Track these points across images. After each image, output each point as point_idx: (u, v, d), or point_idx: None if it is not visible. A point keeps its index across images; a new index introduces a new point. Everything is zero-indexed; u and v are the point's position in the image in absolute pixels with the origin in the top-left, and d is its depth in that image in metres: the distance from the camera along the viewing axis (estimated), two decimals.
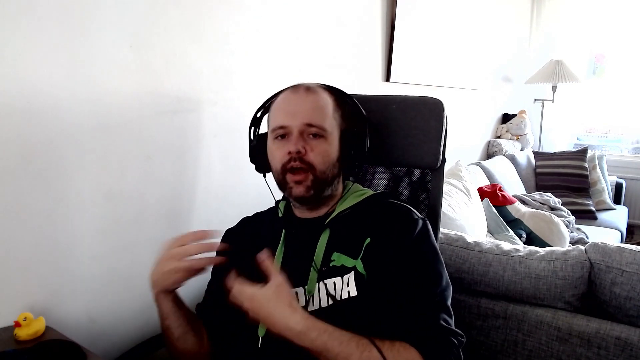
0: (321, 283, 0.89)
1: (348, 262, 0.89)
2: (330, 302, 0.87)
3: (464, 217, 1.99)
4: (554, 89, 3.93)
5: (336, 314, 0.86)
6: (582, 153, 3.54)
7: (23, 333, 0.92)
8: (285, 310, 0.77)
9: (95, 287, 1.14)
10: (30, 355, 0.85)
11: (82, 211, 1.08)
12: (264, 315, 0.77)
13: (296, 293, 0.90)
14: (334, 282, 0.88)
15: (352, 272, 0.88)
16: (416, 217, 0.92)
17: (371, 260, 0.88)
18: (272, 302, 0.77)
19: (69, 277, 1.08)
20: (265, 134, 0.97)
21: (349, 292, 0.87)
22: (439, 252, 0.92)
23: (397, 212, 0.94)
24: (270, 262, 0.80)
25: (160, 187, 1.25)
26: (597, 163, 3.55)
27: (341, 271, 0.88)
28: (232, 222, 1.09)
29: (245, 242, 1.01)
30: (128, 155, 1.16)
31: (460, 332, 0.83)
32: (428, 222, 0.93)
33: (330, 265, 0.90)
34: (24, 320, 0.93)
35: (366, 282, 0.87)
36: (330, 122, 0.92)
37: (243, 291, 0.77)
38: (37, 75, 0.97)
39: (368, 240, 0.89)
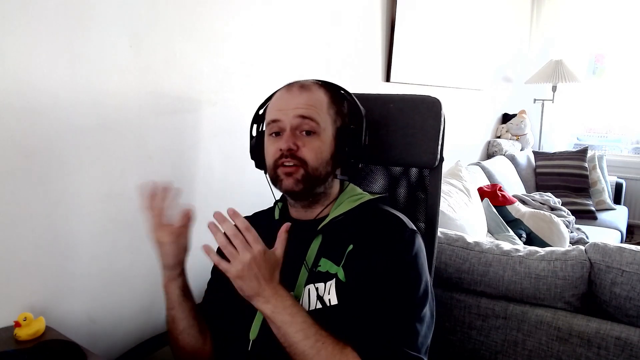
0: (307, 287, 0.88)
1: (332, 268, 0.88)
2: (319, 305, 0.87)
3: (464, 217, 1.99)
4: (554, 89, 3.93)
5: (318, 319, 0.85)
6: (582, 153, 3.54)
7: (23, 333, 0.92)
8: (277, 277, 0.81)
9: (95, 287, 1.14)
10: (30, 355, 0.85)
11: (82, 211, 1.08)
12: (263, 270, 0.78)
13: None
14: (317, 287, 0.88)
15: (334, 280, 0.87)
16: (404, 227, 0.90)
17: (351, 268, 0.87)
18: (275, 264, 0.80)
19: (69, 277, 1.08)
20: (264, 131, 0.98)
21: (329, 300, 0.86)
22: (423, 265, 0.88)
23: (384, 221, 0.92)
24: (284, 235, 0.82)
25: None
26: (597, 163, 3.55)
27: (325, 277, 0.88)
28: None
29: None
30: (128, 155, 1.17)
31: (421, 357, 0.81)
32: (418, 234, 0.90)
33: (317, 270, 0.89)
34: (24, 320, 0.93)
35: (345, 290, 0.86)
36: (324, 117, 0.91)
37: (259, 240, 0.79)
38: (37, 75, 0.97)
39: (350, 247, 0.88)
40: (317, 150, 0.89)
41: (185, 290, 0.92)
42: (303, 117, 0.89)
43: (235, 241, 0.77)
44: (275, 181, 0.92)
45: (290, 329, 0.78)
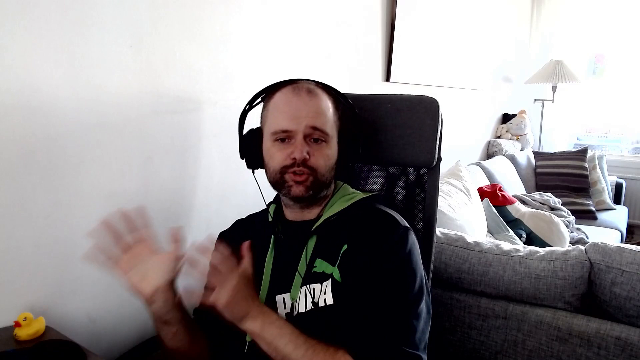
0: (304, 288, 0.89)
1: (328, 269, 0.89)
2: (311, 307, 0.87)
3: (464, 217, 1.99)
4: (554, 89, 3.93)
5: (315, 319, 0.86)
6: (582, 153, 3.54)
7: (23, 333, 0.93)
8: (254, 293, 0.83)
9: (96, 286, 1.14)
10: (30, 355, 0.85)
11: (82, 211, 1.08)
12: (244, 294, 0.80)
13: (283, 299, 0.90)
14: (314, 288, 0.88)
15: (330, 280, 0.87)
16: (397, 225, 0.90)
17: (346, 267, 0.87)
18: (250, 283, 0.82)
19: (69, 277, 1.08)
20: (258, 130, 0.96)
21: (325, 299, 0.86)
22: (418, 262, 0.88)
23: (377, 219, 0.92)
24: (248, 254, 0.83)
25: (161, 187, 1.25)
26: (597, 163, 3.55)
27: (321, 278, 0.88)
28: (232, 222, 1.09)
29: (238, 246, 1.01)
30: (128, 155, 1.17)
31: (420, 355, 0.81)
32: (411, 231, 0.91)
33: (312, 271, 0.89)
34: (24, 320, 0.93)
35: (341, 289, 0.86)
36: (331, 125, 0.92)
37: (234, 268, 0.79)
38: (38, 75, 0.97)
39: (345, 247, 0.89)
40: (326, 158, 0.90)
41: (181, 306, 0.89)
42: (315, 128, 0.89)
43: (221, 268, 0.78)
44: (281, 186, 0.92)
45: (280, 341, 0.78)
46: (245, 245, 0.82)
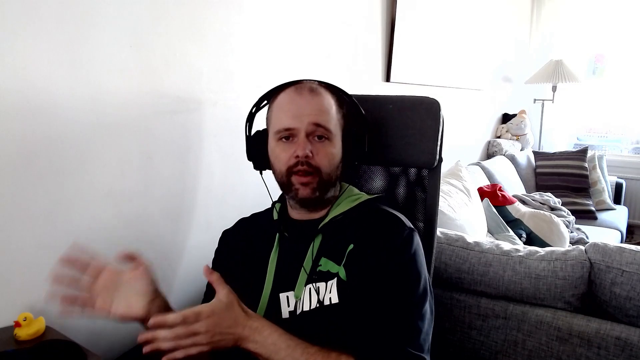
0: (308, 286, 0.89)
1: (333, 268, 0.89)
2: (317, 305, 0.87)
3: (464, 217, 1.99)
4: (554, 89, 3.93)
5: (320, 318, 0.86)
6: (582, 153, 3.54)
7: (23, 333, 0.93)
8: (241, 314, 0.79)
9: None
10: (30, 355, 0.85)
11: (82, 211, 1.08)
12: (226, 325, 0.76)
13: (287, 297, 0.90)
14: (319, 287, 0.88)
15: (335, 279, 0.87)
16: (403, 226, 0.90)
17: (352, 267, 0.87)
18: (230, 309, 0.78)
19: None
20: (264, 131, 0.97)
21: (330, 298, 0.86)
22: (422, 263, 0.89)
23: (383, 220, 0.92)
24: (216, 276, 0.79)
25: (161, 187, 1.25)
26: (597, 163, 3.55)
27: (326, 277, 0.88)
28: (232, 222, 1.09)
29: (241, 243, 1.01)
30: (128, 155, 1.17)
31: (424, 357, 0.81)
32: (416, 232, 0.91)
33: (317, 270, 0.90)
34: (24, 320, 0.93)
35: (347, 288, 0.86)
36: (335, 123, 0.92)
37: (200, 312, 0.75)
38: (38, 75, 0.97)
39: (351, 246, 0.89)
40: (329, 157, 0.90)
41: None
42: (318, 125, 0.89)
43: (180, 331, 0.73)
44: (288, 188, 0.92)
45: (277, 357, 0.78)
46: (211, 273, 0.79)
